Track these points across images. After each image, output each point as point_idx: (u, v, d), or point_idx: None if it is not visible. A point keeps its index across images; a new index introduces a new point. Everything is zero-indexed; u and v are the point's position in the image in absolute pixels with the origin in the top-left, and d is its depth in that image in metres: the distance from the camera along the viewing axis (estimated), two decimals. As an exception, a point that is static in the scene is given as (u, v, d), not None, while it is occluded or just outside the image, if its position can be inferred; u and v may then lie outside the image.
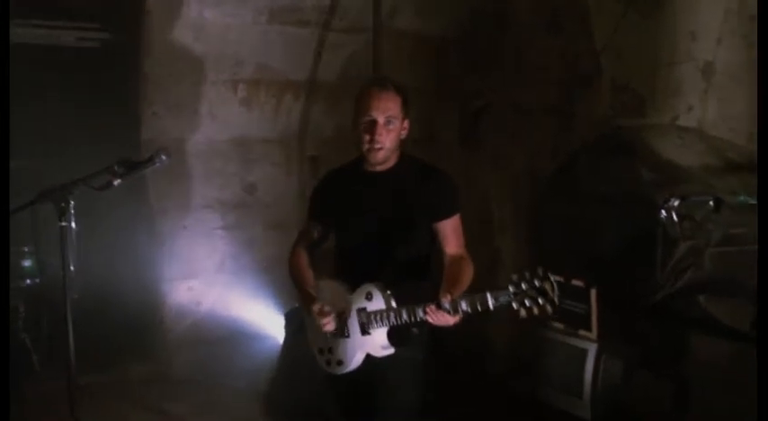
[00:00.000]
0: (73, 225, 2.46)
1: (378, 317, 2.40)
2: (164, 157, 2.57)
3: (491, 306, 2.10)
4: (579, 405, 3.25)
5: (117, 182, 2.46)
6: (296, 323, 4.34)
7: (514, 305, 2.04)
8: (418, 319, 2.29)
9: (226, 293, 4.92)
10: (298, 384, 4.10)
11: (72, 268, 2.50)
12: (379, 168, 2.51)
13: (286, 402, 4.14)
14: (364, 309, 2.44)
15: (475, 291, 2.20)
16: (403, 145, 2.53)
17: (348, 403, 2.65)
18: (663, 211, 3.81)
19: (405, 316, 2.32)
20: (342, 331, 2.50)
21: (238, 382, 4.54)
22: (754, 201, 3.41)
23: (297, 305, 4.62)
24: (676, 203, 3.77)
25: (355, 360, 2.51)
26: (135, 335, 4.74)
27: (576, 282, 3.39)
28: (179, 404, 4.26)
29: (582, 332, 3.37)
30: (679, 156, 3.57)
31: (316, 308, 2.48)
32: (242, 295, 4.93)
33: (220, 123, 4.84)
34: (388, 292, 2.40)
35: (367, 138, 2.43)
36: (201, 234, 4.87)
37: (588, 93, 3.96)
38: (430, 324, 2.30)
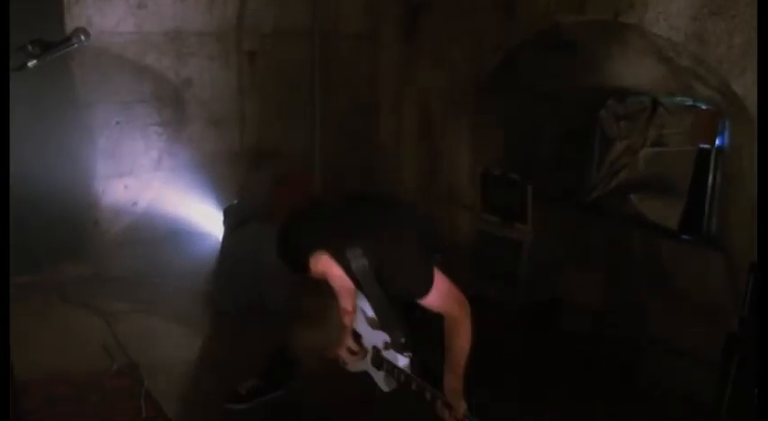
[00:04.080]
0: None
1: (389, 368, 2.36)
2: (82, 38, 2.39)
3: None
4: (512, 294, 3.36)
5: (32, 63, 2.29)
6: (235, 219, 4.32)
7: None
8: (425, 396, 2.23)
9: (163, 191, 4.81)
10: (238, 280, 4.12)
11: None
12: None
13: (227, 298, 4.16)
14: (379, 351, 2.40)
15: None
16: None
17: None
18: (601, 111, 3.87)
19: (413, 386, 2.26)
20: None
21: (178, 281, 4.53)
22: (690, 103, 3.47)
23: (235, 201, 4.61)
24: (614, 103, 3.83)
25: (359, 370, 2.52)
26: (68, 237, 4.59)
27: (512, 175, 3.42)
28: (118, 303, 4.23)
29: (517, 225, 3.43)
30: (619, 55, 3.56)
31: (344, 344, 2.34)
32: (180, 193, 4.83)
33: (153, 14, 4.59)
34: (404, 355, 2.32)
35: None
36: (136, 130, 4.71)
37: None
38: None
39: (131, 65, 4.62)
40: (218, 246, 4.41)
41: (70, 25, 4.27)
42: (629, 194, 3.68)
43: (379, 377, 2.45)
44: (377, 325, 2.39)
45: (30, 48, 2.28)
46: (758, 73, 2.34)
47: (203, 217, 4.89)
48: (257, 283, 4.06)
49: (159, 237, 4.79)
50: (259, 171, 4.76)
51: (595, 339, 3.61)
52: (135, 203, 4.77)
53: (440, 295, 2.28)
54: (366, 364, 2.47)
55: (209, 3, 4.78)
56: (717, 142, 3.34)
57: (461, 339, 2.31)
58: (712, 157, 3.34)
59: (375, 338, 2.40)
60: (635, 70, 3.53)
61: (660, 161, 3.59)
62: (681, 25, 3.24)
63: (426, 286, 2.24)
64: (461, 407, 2.16)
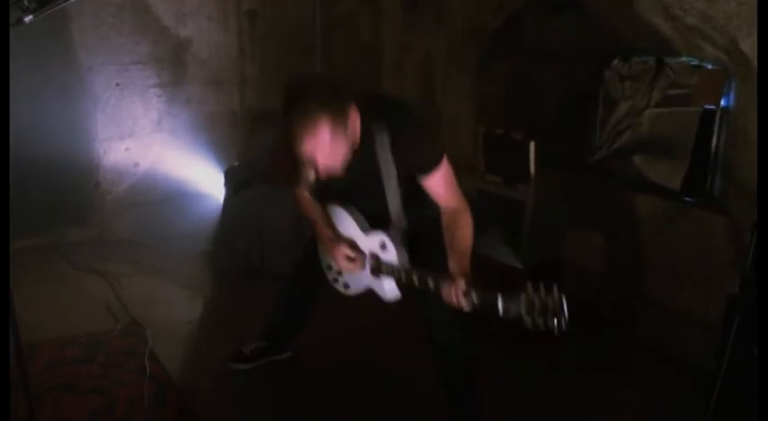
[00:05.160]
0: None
1: (389, 269, 2.35)
2: (80, -9, 2.34)
3: (500, 312, 1.98)
4: (514, 255, 3.36)
5: (29, 18, 2.24)
6: (236, 180, 4.31)
7: (525, 318, 1.92)
8: (426, 287, 2.21)
9: (164, 153, 4.81)
10: (240, 242, 4.13)
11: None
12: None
13: (229, 259, 4.17)
14: (377, 256, 2.39)
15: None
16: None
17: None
18: (606, 72, 3.82)
19: (415, 280, 2.25)
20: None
21: (180, 243, 4.55)
22: (695, 63, 3.42)
23: (236, 163, 4.60)
24: (619, 63, 3.78)
25: (361, 288, 2.55)
26: (70, 199, 4.62)
27: (515, 135, 3.39)
28: (120, 265, 4.26)
29: (519, 185, 3.42)
30: (624, 14, 3.50)
31: (341, 253, 2.45)
32: (180, 154, 4.83)
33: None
34: (404, 249, 2.33)
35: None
36: (136, 92, 4.68)
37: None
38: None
39: (130, 26, 4.58)
40: (220, 207, 4.41)
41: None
42: (633, 156, 3.65)
43: (379, 286, 2.44)
44: (369, 229, 2.43)
45: (26, 2, 2.24)
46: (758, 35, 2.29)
47: (204, 178, 4.89)
48: (259, 245, 4.08)
49: (161, 198, 4.80)
50: (260, 132, 4.74)
51: (595, 301, 3.63)
52: (136, 165, 4.77)
53: (445, 180, 2.30)
54: (365, 277, 2.47)
55: (208, -39, 4.72)
56: (722, 103, 3.30)
57: (464, 229, 2.28)
58: (717, 118, 3.30)
59: (370, 243, 2.42)
60: (640, 30, 3.47)
61: (664, 122, 3.55)
62: (689, -17, 3.18)
63: (438, 158, 2.27)
64: (464, 282, 2.12)
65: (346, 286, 2.62)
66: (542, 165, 3.34)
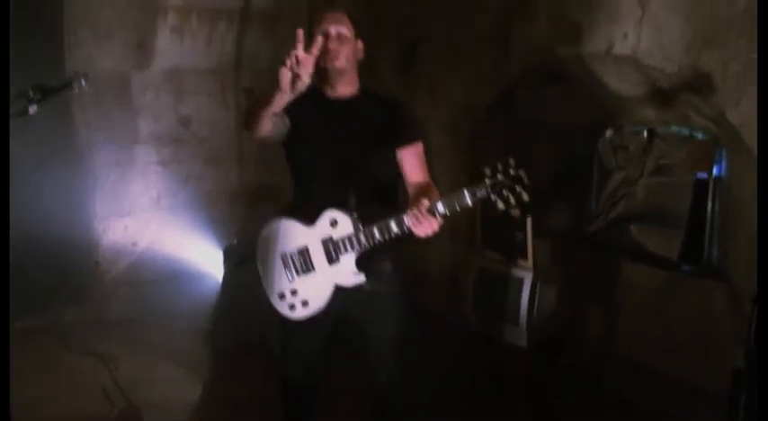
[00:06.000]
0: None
1: (346, 243, 2.31)
2: (83, 82, 2.42)
3: (469, 201, 2.06)
4: (516, 332, 3.33)
5: (33, 109, 2.30)
6: (235, 259, 4.30)
7: (492, 197, 2.02)
8: (392, 235, 2.22)
9: (163, 231, 4.82)
10: (239, 320, 4.10)
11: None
12: (340, 93, 2.45)
13: (227, 337, 4.13)
14: (330, 237, 2.35)
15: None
16: (360, 71, 2.48)
17: (314, 347, 2.58)
18: (599, 142, 3.88)
19: (377, 233, 2.24)
20: (306, 266, 2.41)
21: (179, 321, 4.50)
22: (686, 133, 3.48)
23: (235, 240, 4.60)
24: (612, 134, 3.84)
25: (323, 296, 2.39)
26: (69, 278, 4.59)
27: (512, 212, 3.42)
28: (118, 345, 4.19)
29: (519, 261, 3.42)
30: (614, 86, 3.59)
31: (284, 72, 2.16)
32: (180, 233, 4.84)
33: (151, 53, 4.64)
34: (355, 215, 2.31)
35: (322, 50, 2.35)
36: (135, 170, 4.73)
37: (525, 21, 3.92)
38: (399, 251, 2.30)
39: (131, 105, 4.66)
40: (219, 285, 4.39)
41: (71, 65, 4.32)
42: (629, 225, 3.67)
43: (339, 275, 2.35)
44: (315, 219, 2.37)
45: (31, 93, 2.30)
46: (758, 103, 2.34)
47: (203, 256, 4.88)
48: (257, 323, 4.04)
49: (159, 277, 4.78)
50: (258, 210, 4.76)
51: (597, 373, 3.58)
52: (135, 243, 4.77)
53: (419, 157, 2.44)
54: (322, 274, 2.37)
55: (206, 41, 4.83)
56: (714, 171, 3.34)
57: (432, 193, 2.31)
58: (710, 187, 3.34)
59: (320, 231, 2.36)
60: (631, 101, 3.55)
61: (659, 191, 3.58)
62: (674, 56, 3.27)
63: (419, 135, 2.45)
64: (427, 199, 2.15)
65: (305, 303, 2.43)
66: (540, 236, 3.35)
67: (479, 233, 3.63)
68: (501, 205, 2.02)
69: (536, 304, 3.32)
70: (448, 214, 2.11)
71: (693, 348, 3.20)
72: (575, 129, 3.97)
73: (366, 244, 2.29)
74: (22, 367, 3.49)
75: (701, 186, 3.37)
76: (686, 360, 3.23)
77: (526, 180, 1.99)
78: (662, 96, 3.39)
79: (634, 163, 3.66)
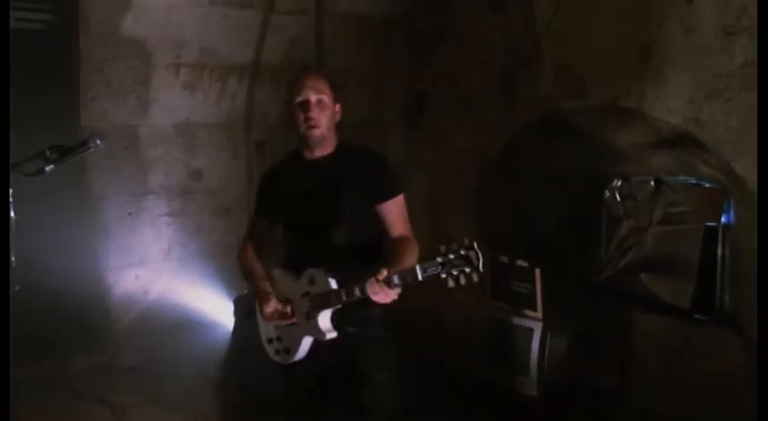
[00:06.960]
0: (12, 214, 2.38)
1: (320, 301, 2.41)
2: (98, 142, 2.51)
3: (420, 277, 2.12)
4: (526, 383, 3.31)
5: (50, 168, 2.38)
6: (245, 309, 4.31)
7: (442, 275, 2.06)
8: (355, 298, 2.30)
9: (173, 281, 4.84)
10: (249, 371, 4.08)
11: (12, 259, 2.42)
12: (318, 154, 2.54)
13: (237, 388, 4.11)
14: (308, 293, 2.45)
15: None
16: (339, 131, 2.57)
17: (310, 390, 2.64)
18: (606, 192, 3.91)
19: (343, 296, 2.33)
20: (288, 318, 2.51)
21: (188, 371, 4.49)
22: (693, 181, 3.51)
23: (246, 291, 4.61)
24: (619, 183, 3.87)
25: (302, 347, 2.50)
26: (81, 327, 4.61)
27: (520, 263, 3.44)
28: (128, 395, 4.18)
29: (528, 311, 3.43)
30: (620, 137, 3.63)
31: (270, 309, 2.52)
32: (190, 283, 4.85)
33: (163, 108, 4.73)
34: (329, 276, 2.40)
35: (302, 117, 2.47)
36: (147, 221, 4.78)
37: (530, 74, 4.00)
38: (379, 304, 2.30)
39: (142, 157, 4.73)
40: (229, 336, 4.39)
41: (86, 120, 4.41)
42: (640, 274, 3.67)
43: (316, 329, 2.43)
44: (300, 274, 2.49)
45: (48, 153, 2.38)
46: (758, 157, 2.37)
47: (213, 306, 4.88)
48: (268, 374, 4.02)
49: (170, 326, 4.78)
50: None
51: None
52: (146, 292, 4.79)
53: (399, 209, 2.51)
54: (301, 327, 2.47)
55: (217, 95, 4.92)
56: (723, 219, 3.36)
57: (411, 257, 2.36)
58: (720, 235, 3.35)
59: (301, 286, 2.47)
60: (636, 152, 3.59)
61: (668, 240, 3.60)
62: (678, 108, 3.32)
63: (398, 189, 2.52)
64: (385, 270, 2.21)
65: (287, 351, 2.57)
66: (549, 288, 3.36)
67: (488, 284, 3.64)
68: (451, 283, 2.07)
69: (546, 354, 3.30)
70: (401, 285, 2.19)
71: (707, 396, 3.17)
72: (581, 179, 4.01)
73: (335, 303, 2.39)
74: (33, 415, 3.49)
75: (710, 234, 3.38)
76: (700, 408, 3.19)
77: (476, 262, 2.02)
78: (668, 146, 3.43)
79: (642, 211, 3.69)
